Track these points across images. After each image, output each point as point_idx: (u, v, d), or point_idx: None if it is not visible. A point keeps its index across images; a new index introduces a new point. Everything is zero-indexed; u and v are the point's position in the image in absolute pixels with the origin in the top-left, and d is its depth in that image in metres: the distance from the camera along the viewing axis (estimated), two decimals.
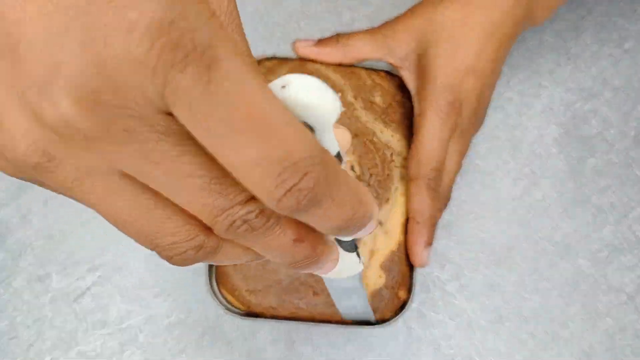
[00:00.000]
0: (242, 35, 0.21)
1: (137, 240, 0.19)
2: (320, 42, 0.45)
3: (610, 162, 0.53)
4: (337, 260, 0.23)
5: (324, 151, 0.17)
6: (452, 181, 0.44)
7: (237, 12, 0.21)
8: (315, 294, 0.41)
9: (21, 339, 0.47)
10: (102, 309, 0.48)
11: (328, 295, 0.41)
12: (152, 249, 0.19)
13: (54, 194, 0.50)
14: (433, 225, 0.42)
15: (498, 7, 0.41)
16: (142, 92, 0.15)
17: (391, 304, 0.42)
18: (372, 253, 0.42)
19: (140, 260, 0.49)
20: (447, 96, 0.40)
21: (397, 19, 0.44)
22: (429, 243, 0.42)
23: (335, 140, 0.22)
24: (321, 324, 0.42)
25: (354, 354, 0.49)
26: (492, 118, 0.54)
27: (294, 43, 0.45)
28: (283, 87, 0.19)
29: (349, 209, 0.18)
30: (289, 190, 0.16)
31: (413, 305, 0.50)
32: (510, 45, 0.43)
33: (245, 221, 0.18)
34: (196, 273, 0.49)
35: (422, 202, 0.41)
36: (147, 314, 0.48)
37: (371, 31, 0.44)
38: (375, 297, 0.42)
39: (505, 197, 0.52)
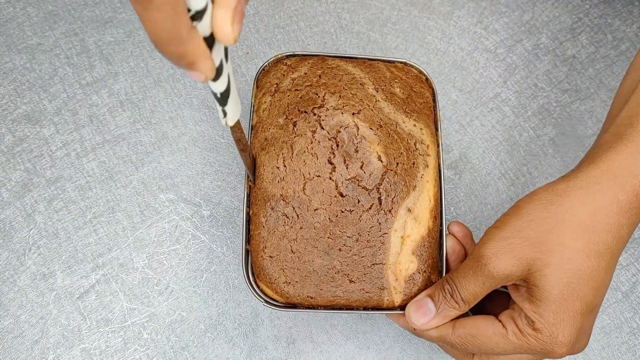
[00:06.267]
0: None
1: None
2: (431, 297, 0.42)
3: None
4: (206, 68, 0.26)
5: None
6: None
7: None
8: (351, 281, 0.41)
9: (25, 337, 0.48)
10: (106, 307, 0.49)
11: (363, 281, 0.42)
12: None
13: (58, 193, 0.50)
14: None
15: (614, 232, 0.39)
16: None
17: (423, 288, 0.42)
18: (403, 240, 0.42)
19: (143, 258, 0.50)
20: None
21: (499, 240, 0.39)
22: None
23: None
24: (360, 312, 0.42)
25: (354, 352, 0.49)
26: (489, 118, 0.55)
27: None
28: None
29: (161, 32, 0.23)
30: None
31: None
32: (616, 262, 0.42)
33: None
34: (198, 271, 0.50)
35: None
36: (150, 311, 0.49)
37: (471, 265, 0.40)
38: (408, 282, 0.42)
39: (502, 196, 0.53)
